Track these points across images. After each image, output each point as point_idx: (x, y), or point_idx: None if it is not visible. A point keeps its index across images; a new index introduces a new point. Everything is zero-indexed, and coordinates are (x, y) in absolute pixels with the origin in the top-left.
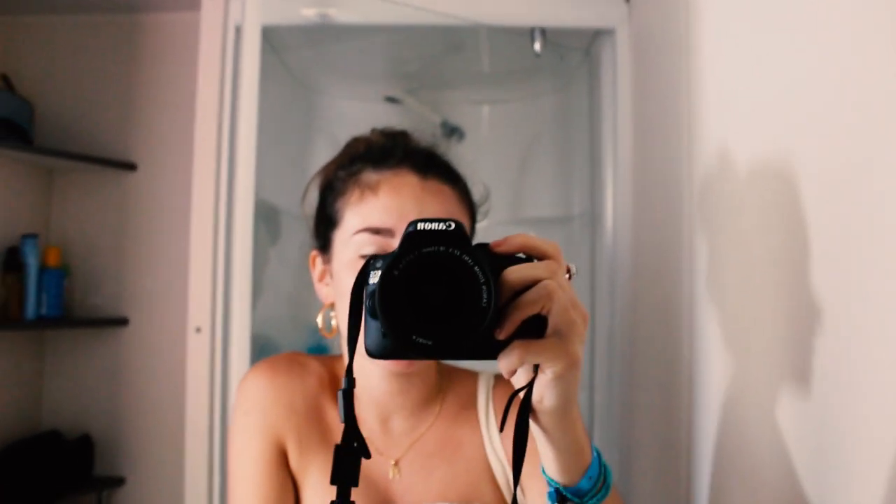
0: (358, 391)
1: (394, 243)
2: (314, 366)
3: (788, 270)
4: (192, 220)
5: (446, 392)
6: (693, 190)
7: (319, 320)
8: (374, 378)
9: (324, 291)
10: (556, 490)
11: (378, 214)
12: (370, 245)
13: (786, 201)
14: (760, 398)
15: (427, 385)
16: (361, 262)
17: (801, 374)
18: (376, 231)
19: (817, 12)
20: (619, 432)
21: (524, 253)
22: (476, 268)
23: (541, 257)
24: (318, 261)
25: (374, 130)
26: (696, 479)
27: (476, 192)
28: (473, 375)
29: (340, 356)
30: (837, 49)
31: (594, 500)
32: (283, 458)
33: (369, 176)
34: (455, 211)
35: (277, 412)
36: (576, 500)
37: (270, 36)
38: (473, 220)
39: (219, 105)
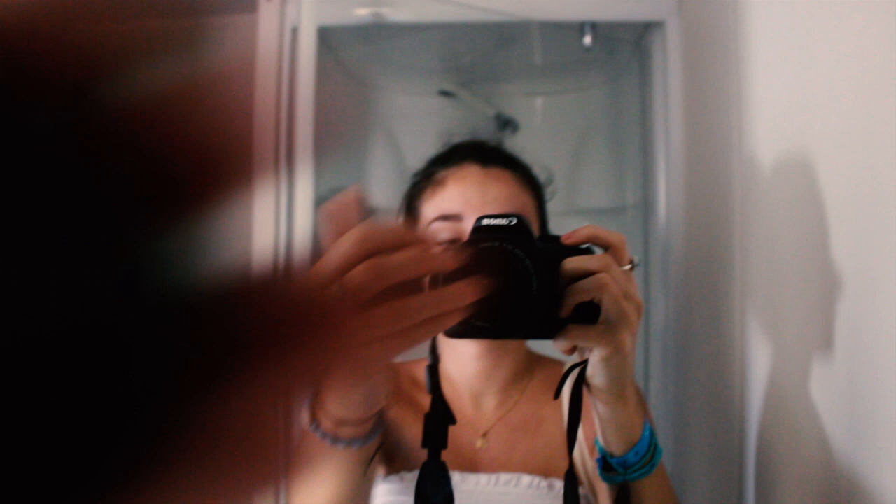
0: (454, 374)
1: (463, 226)
2: (400, 369)
3: (819, 258)
4: (254, 223)
5: (533, 374)
6: (743, 181)
7: None
8: (466, 359)
9: None
10: (603, 457)
11: (447, 203)
12: (445, 231)
13: (821, 195)
14: (804, 385)
15: (514, 367)
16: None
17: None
18: (446, 218)
19: (866, 7)
20: (672, 418)
21: (591, 243)
22: (527, 260)
23: (605, 247)
24: None
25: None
26: (747, 469)
27: (541, 175)
28: (560, 363)
29: (420, 360)
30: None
31: (637, 473)
32: None
33: (438, 174)
34: (517, 193)
35: None
36: (619, 469)
37: (326, 35)
38: (542, 201)
39: (275, 107)
